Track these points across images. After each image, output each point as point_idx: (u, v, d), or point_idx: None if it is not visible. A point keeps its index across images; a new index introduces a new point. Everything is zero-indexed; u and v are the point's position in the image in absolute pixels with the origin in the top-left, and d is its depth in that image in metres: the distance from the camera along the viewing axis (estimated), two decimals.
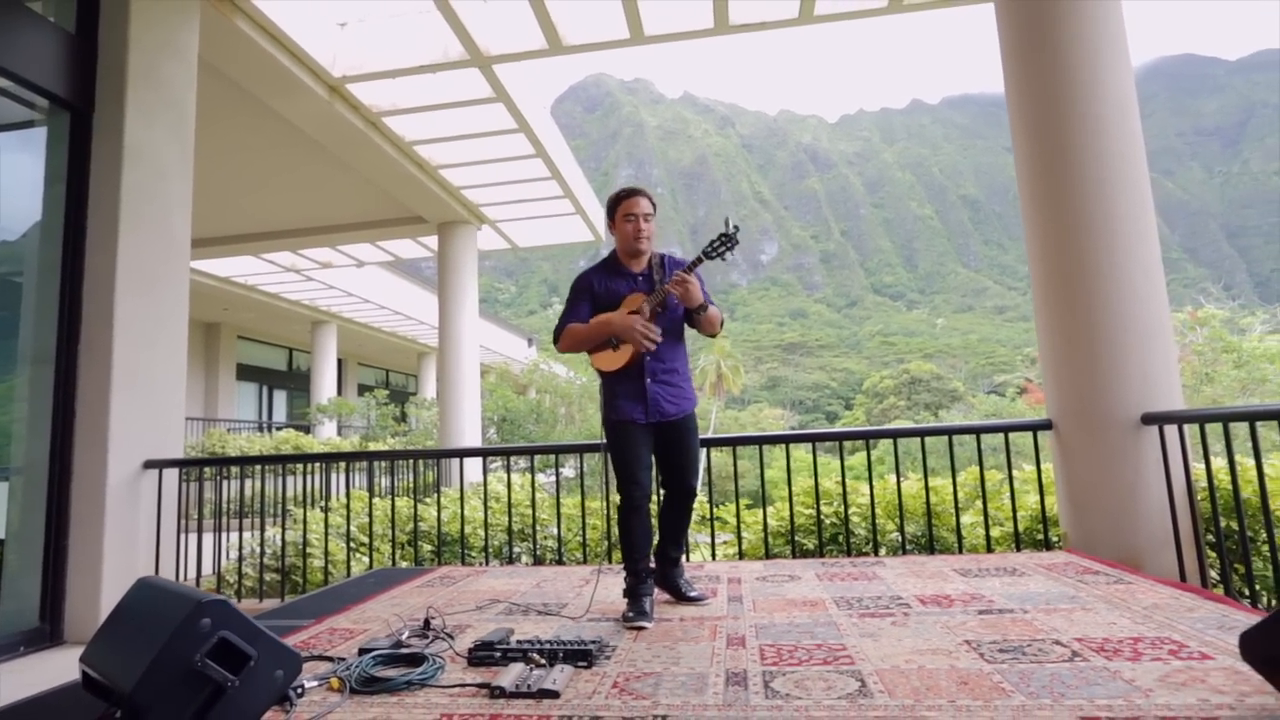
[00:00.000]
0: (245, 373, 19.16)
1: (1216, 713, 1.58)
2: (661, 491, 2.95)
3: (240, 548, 4.85)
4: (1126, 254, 3.64)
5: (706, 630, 2.49)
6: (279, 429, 16.26)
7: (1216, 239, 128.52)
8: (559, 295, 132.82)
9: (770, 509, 4.50)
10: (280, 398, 21.05)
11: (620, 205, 2.86)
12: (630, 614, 2.62)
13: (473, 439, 11.00)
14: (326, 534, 4.76)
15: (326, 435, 16.97)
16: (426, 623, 2.60)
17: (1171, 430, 3.44)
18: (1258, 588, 3.45)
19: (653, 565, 2.84)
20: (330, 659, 2.29)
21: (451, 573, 3.89)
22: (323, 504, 5.22)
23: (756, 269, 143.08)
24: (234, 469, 11.00)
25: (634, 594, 2.69)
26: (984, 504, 4.03)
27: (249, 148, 8.74)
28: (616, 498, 2.81)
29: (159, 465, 4.32)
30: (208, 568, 5.40)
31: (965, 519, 4.30)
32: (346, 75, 6.94)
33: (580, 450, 4.29)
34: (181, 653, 1.55)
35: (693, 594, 2.89)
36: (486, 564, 4.40)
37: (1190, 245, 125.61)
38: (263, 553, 4.77)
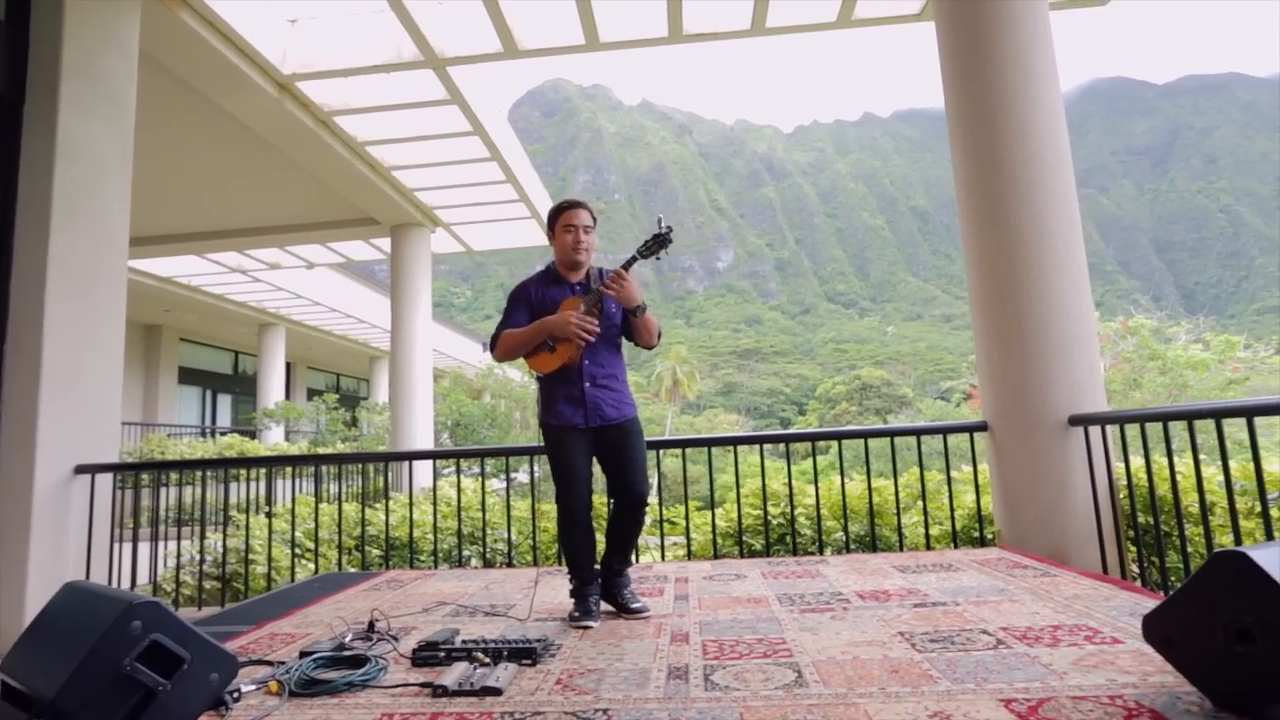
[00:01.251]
0: (188, 376, 18.55)
1: (1122, 691, 1.68)
2: (610, 502, 2.95)
3: (179, 555, 4.71)
4: (1056, 266, 3.82)
5: (651, 628, 2.53)
6: (223, 434, 15.73)
7: (1146, 253, 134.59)
8: None
9: (719, 510, 4.57)
10: (225, 402, 20.43)
11: (560, 216, 2.86)
12: (576, 614, 2.64)
13: (425, 444, 10.84)
14: (270, 540, 4.65)
15: (273, 441, 16.54)
16: (371, 625, 2.58)
17: (1095, 431, 3.62)
18: (1171, 579, 3.64)
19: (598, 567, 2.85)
20: (270, 663, 2.25)
21: (399, 576, 3.85)
22: (267, 510, 5.10)
23: (713, 276, 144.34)
24: (173, 475, 10.69)
25: (580, 594, 2.72)
26: (924, 503, 4.17)
27: (194, 144, 8.51)
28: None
29: (91, 470, 4.18)
30: (144, 576, 5.23)
31: (906, 518, 4.43)
32: (296, 73, 6.82)
33: (530, 453, 4.29)
34: (110, 657, 1.52)
35: (635, 605, 2.80)
36: (435, 568, 4.36)
37: (1123, 258, 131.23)
38: (202, 560, 4.64)
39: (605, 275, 2.84)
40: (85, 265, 4.33)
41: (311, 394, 24.43)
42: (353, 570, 4.65)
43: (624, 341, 2.93)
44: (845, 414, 57.22)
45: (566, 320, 2.68)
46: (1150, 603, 2.48)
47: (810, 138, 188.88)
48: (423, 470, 10.80)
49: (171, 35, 5.72)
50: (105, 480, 4.34)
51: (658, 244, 2.71)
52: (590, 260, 2.89)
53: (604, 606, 2.84)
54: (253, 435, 16.38)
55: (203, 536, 4.68)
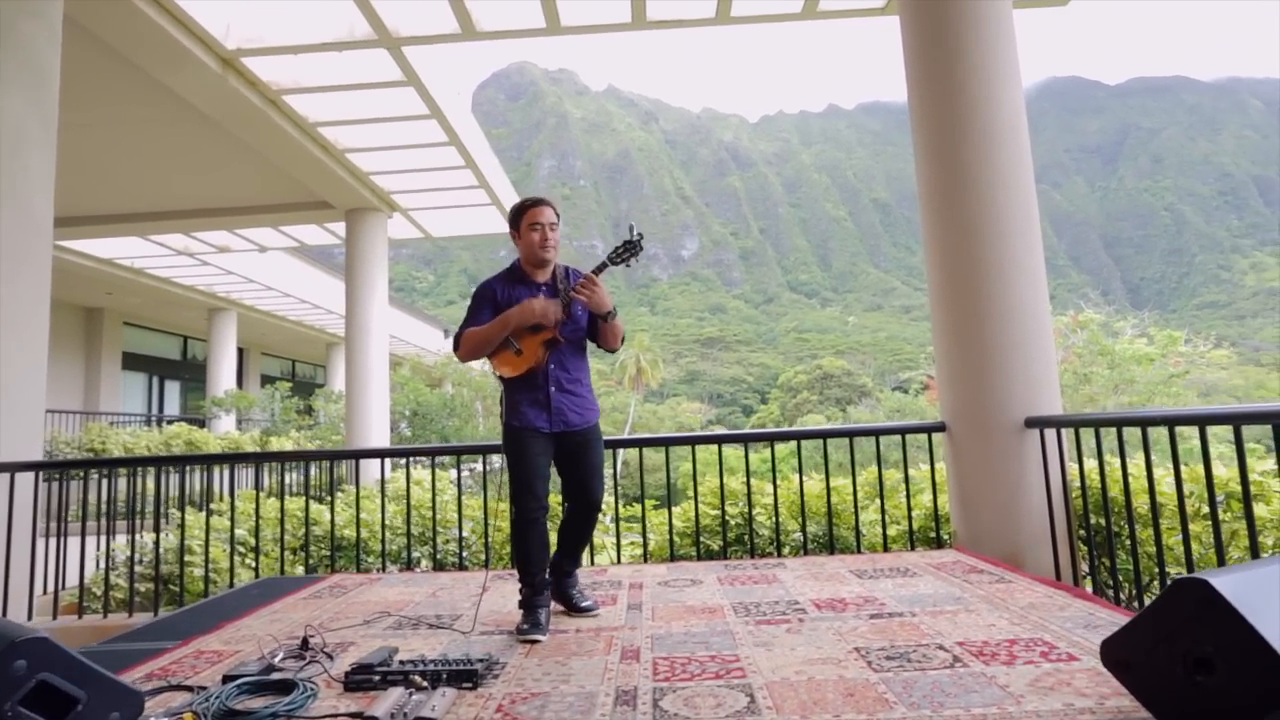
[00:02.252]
0: (133, 362, 17.81)
1: (1079, 717, 1.64)
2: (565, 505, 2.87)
3: (108, 556, 4.45)
4: (1015, 267, 3.81)
5: (601, 643, 2.44)
6: (170, 423, 15.15)
7: (1096, 248, 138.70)
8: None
9: (677, 510, 4.50)
10: (173, 389, 19.70)
11: (525, 214, 2.79)
12: (525, 626, 2.54)
13: (380, 435, 10.58)
14: (208, 538, 4.41)
15: (224, 429, 16.01)
16: (305, 642, 2.44)
17: (1051, 434, 3.62)
18: (1121, 579, 3.68)
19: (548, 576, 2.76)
20: (190, 688, 2.10)
21: (343, 581, 3.69)
22: (207, 506, 4.86)
23: (677, 264, 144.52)
24: (110, 469, 10.23)
25: (529, 605, 2.61)
26: (881, 503, 4.15)
27: (133, 120, 8.08)
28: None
29: (9, 469, 3.92)
30: (74, 578, 4.96)
31: (864, 517, 4.41)
32: (241, 48, 6.50)
33: (483, 450, 4.16)
34: None
35: (585, 604, 2.83)
36: (384, 569, 4.21)
37: (1074, 253, 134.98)
38: (134, 561, 4.39)
39: (572, 274, 2.80)
40: (4, 247, 4.04)
41: (265, 380, 23.73)
42: (296, 574, 4.46)
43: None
44: (806, 403, 57.93)
45: (529, 308, 2.64)
46: (1103, 613, 2.47)
47: (775, 128, 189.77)
48: (375, 463, 10.57)
49: (103, 4, 5.38)
50: (26, 479, 4.07)
51: (629, 251, 2.71)
52: (557, 257, 2.83)
53: (554, 606, 2.77)
54: (202, 424, 15.83)
55: (133, 534, 4.43)
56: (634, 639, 2.46)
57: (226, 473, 8.72)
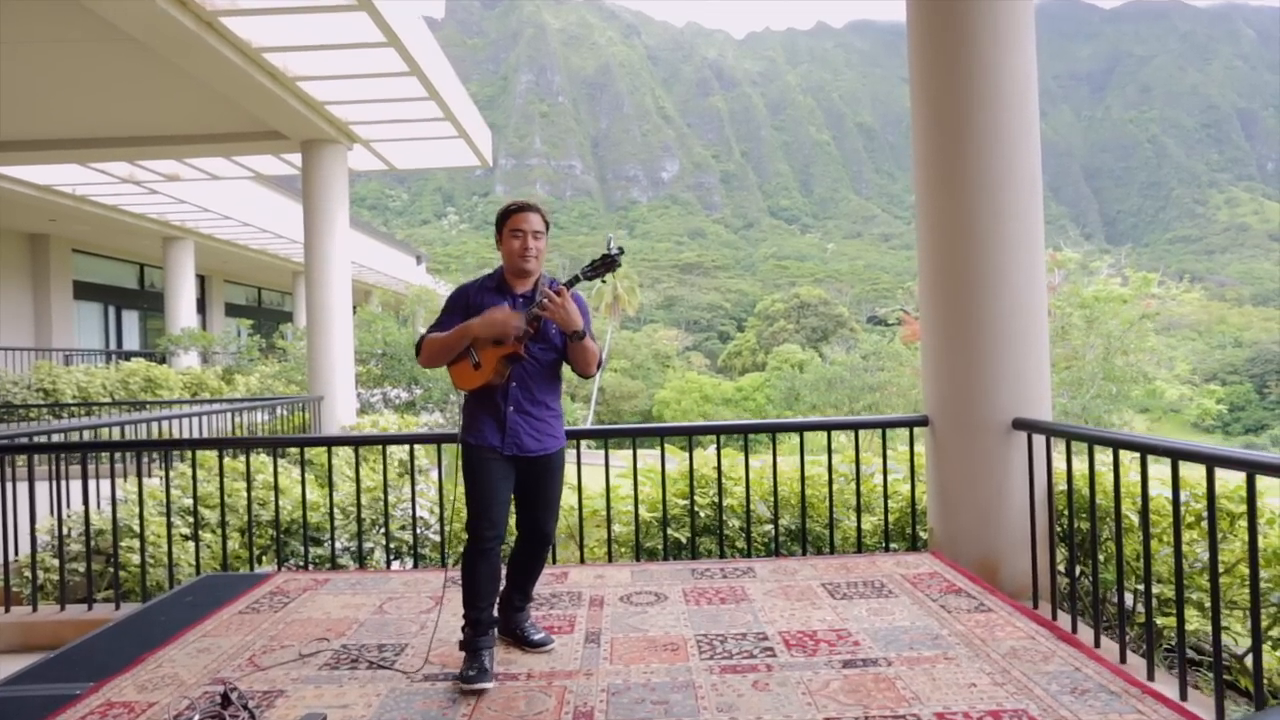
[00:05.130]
0: (86, 291, 16.98)
1: None
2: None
3: (33, 538, 4.14)
4: (1013, 262, 3.54)
5: (553, 699, 2.25)
6: (128, 358, 14.56)
7: (1077, 179, 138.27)
8: (454, 205, 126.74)
9: (643, 498, 4.29)
10: (131, 320, 18.92)
11: (508, 220, 2.53)
12: (471, 673, 2.33)
13: (345, 379, 10.26)
14: (142, 514, 4.08)
15: (186, 365, 15.49)
16: (225, 698, 2.22)
17: (1039, 438, 3.44)
18: (1102, 590, 3.58)
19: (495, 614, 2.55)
20: None
21: (285, 586, 3.47)
22: (139, 478, 4.52)
23: (657, 186, 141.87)
24: (68, 408, 9.80)
25: (472, 648, 2.40)
26: (858, 504, 3.98)
27: (62, 41, 7.29)
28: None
29: None
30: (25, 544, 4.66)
31: (839, 509, 4.25)
32: None
33: (438, 440, 3.89)
34: None
35: (537, 637, 2.64)
36: (333, 560, 3.99)
37: (1055, 184, 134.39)
38: (61, 542, 4.08)
39: (555, 286, 2.50)
40: None
41: (231, 309, 22.97)
42: (240, 560, 4.23)
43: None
44: (783, 331, 58.12)
45: (490, 319, 2.39)
46: (1090, 666, 2.33)
47: (762, 45, 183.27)
48: (344, 410, 10.26)
49: None
50: None
51: (605, 266, 2.46)
52: (540, 268, 2.58)
53: (502, 644, 2.60)
54: (163, 360, 15.30)
55: (59, 508, 4.10)
56: (588, 693, 2.27)
57: (188, 422, 8.41)
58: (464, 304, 2.55)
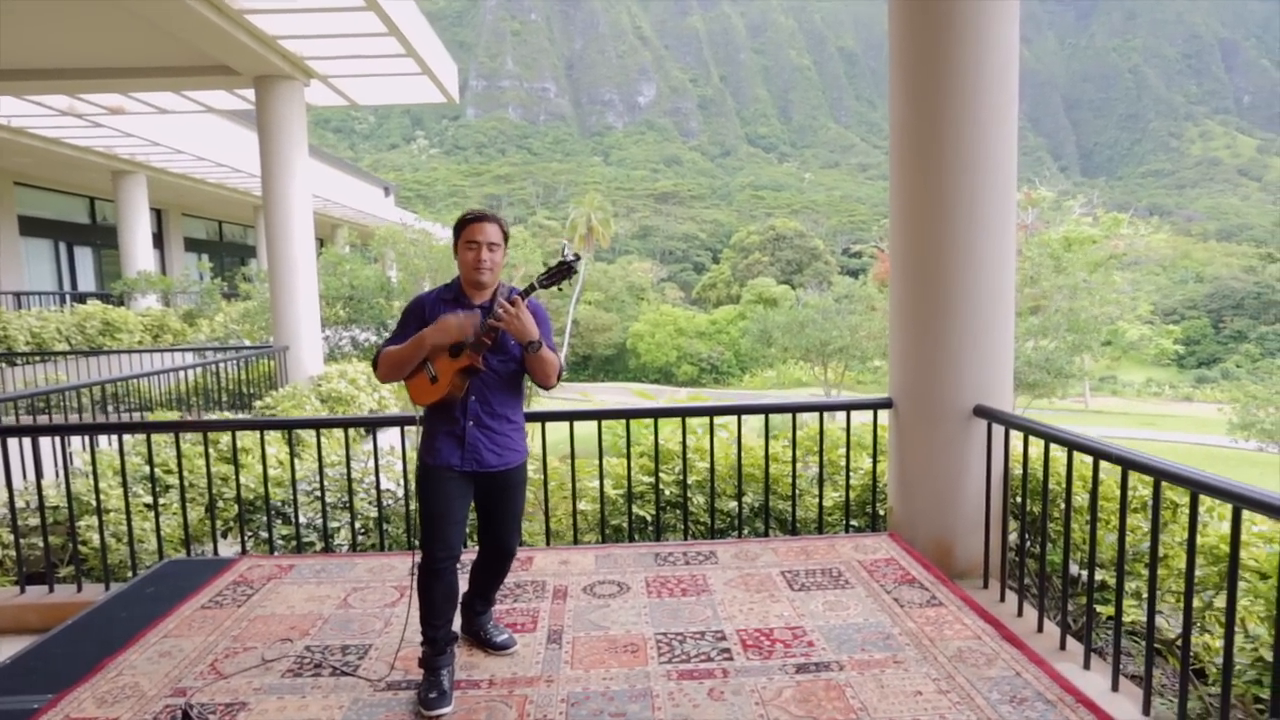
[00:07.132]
0: (33, 227, 16.20)
1: None
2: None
3: None
4: (987, 248, 3.50)
5: (514, 711, 2.30)
6: (84, 300, 14.05)
7: (1056, 110, 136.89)
8: (423, 128, 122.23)
9: (608, 475, 4.31)
10: (85, 257, 18.15)
11: (463, 230, 2.44)
12: (431, 695, 2.34)
13: (310, 328, 10.06)
14: (96, 485, 3.99)
15: (146, 307, 15.01)
16: (186, 715, 2.23)
17: (999, 427, 3.49)
18: (1049, 570, 3.71)
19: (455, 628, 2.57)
20: None
21: (250, 572, 3.47)
22: (92, 449, 4.43)
23: (633, 111, 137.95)
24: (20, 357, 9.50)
25: (431, 668, 2.40)
26: (820, 488, 4.05)
27: None
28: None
29: None
30: None
31: (802, 485, 4.33)
32: None
33: (400, 423, 3.85)
34: None
35: (500, 639, 2.68)
36: (298, 539, 3.97)
37: (1034, 115, 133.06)
38: (14, 518, 4.00)
39: (514, 296, 2.42)
40: None
41: (190, 244, 22.18)
42: (202, 542, 4.21)
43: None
44: (758, 264, 57.91)
45: (443, 325, 2.33)
46: (1030, 670, 2.43)
47: None
48: (310, 359, 10.10)
49: None
50: None
51: (561, 273, 2.40)
52: (495, 280, 2.50)
53: (465, 640, 2.65)
54: (120, 302, 14.82)
55: (11, 496, 4.02)
56: (548, 703, 2.33)
57: (157, 379, 8.23)
58: (420, 316, 2.47)
